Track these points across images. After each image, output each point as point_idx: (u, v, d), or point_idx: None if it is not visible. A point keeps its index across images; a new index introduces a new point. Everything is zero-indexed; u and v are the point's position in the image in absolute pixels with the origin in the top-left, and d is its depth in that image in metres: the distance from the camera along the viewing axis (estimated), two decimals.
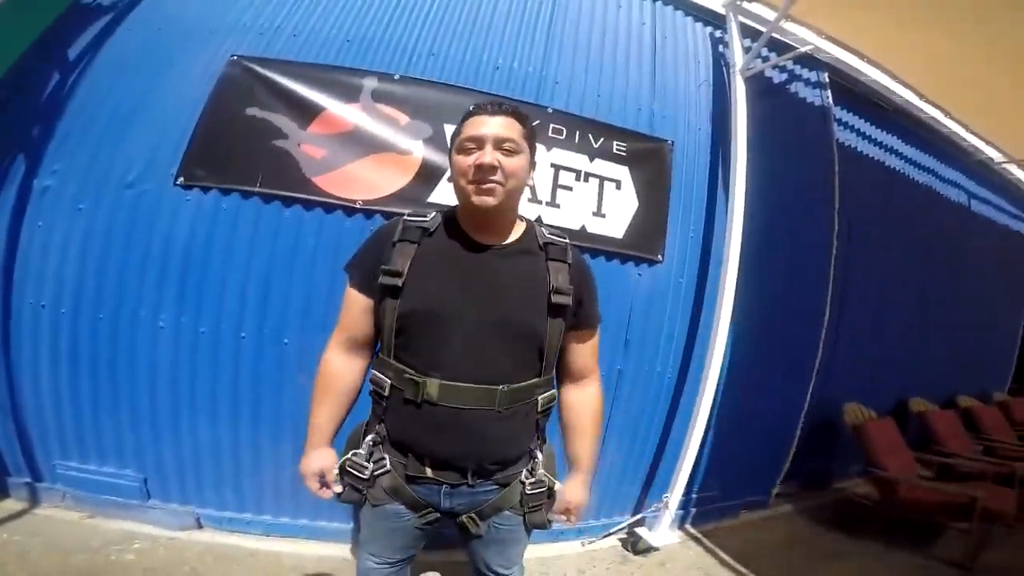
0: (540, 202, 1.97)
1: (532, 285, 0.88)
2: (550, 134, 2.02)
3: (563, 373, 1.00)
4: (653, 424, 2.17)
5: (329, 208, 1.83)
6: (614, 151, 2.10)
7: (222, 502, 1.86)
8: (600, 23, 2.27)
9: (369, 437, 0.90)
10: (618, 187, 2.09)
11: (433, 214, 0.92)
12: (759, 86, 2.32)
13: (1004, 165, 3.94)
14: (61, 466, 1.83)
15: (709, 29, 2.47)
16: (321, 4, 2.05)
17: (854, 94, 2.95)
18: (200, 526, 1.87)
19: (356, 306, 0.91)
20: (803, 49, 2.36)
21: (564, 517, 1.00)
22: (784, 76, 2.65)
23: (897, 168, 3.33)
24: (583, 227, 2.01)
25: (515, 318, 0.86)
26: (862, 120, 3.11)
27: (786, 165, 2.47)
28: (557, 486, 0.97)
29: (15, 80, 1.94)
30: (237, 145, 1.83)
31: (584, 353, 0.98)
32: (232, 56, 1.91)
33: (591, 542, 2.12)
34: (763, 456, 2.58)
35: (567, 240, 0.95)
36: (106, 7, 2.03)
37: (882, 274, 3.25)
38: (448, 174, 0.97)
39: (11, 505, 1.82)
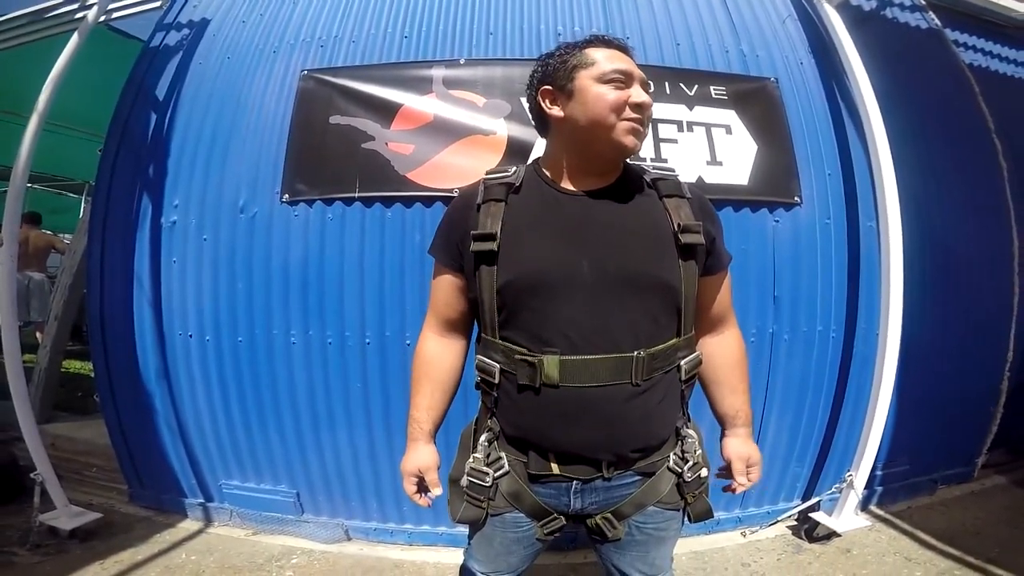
0: (643, 159, 1.79)
1: (653, 227, 0.74)
2: None
3: (699, 324, 0.83)
4: (821, 393, 1.88)
5: (428, 201, 1.77)
6: (713, 96, 1.90)
7: (366, 513, 1.84)
8: None
9: (484, 436, 0.78)
10: (728, 131, 1.86)
11: (514, 169, 0.80)
12: (851, 15, 2.05)
13: None
14: (226, 485, 1.91)
15: None
16: (370, 8, 2.03)
17: (960, 15, 2.53)
18: (349, 538, 1.86)
19: (446, 285, 0.81)
20: None
21: (740, 481, 0.84)
22: (873, 4, 2.35)
23: None
24: (699, 178, 1.81)
25: (642, 268, 0.72)
26: (981, 39, 2.64)
27: (913, 93, 2.15)
28: (730, 443, 0.86)
29: (120, 130, 2.07)
30: (329, 154, 1.83)
31: (722, 298, 0.85)
32: (303, 71, 1.92)
33: (753, 532, 1.88)
34: (963, 421, 2.21)
35: (677, 172, 0.82)
36: (173, 47, 2.11)
37: None
38: (559, 111, 0.75)
39: (189, 525, 1.93)
